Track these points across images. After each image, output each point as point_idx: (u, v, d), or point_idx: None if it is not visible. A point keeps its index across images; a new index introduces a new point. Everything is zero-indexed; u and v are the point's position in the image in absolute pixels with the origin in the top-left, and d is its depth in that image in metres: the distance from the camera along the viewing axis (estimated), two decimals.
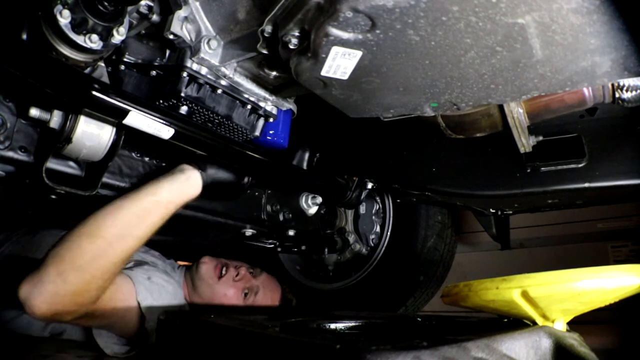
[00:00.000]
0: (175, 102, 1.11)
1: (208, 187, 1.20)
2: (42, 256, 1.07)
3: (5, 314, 1.51)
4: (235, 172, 1.27)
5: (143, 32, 1.10)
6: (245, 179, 1.30)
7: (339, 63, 0.81)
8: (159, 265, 1.57)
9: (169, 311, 1.37)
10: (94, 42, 0.91)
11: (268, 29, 0.85)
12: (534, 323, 0.93)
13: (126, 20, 0.96)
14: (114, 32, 0.93)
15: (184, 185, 1.15)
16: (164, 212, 1.11)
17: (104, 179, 1.10)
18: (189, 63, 1.07)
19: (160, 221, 1.11)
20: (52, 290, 1.00)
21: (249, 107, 1.24)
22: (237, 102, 1.22)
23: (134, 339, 1.34)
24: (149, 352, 1.33)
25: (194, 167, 1.18)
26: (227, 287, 1.56)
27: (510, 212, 1.66)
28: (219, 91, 1.15)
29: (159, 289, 1.39)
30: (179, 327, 0.98)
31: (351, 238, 2.01)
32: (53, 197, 1.09)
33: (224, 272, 1.58)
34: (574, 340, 0.81)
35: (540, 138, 1.20)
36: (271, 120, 1.33)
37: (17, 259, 1.56)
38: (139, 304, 1.29)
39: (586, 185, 1.20)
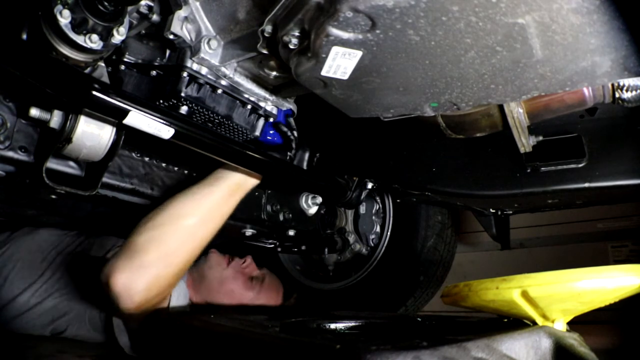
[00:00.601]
0: (175, 102, 1.11)
1: None
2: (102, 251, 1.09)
3: (6, 314, 1.51)
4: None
5: (143, 32, 1.10)
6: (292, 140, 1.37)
7: (339, 63, 0.81)
8: None
9: (169, 311, 1.37)
10: (94, 42, 0.91)
11: (268, 29, 0.85)
12: (534, 323, 0.93)
13: (126, 20, 0.96)
14: (114, 32, 0.93)
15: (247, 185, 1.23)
16: (242, 192, 1.20)
17: (104, 179, 1.10)
18: (189, 63, 1.07)
19: (238, 201, 1.20)
20: (155, 274, 1.02)
21: (249, 107, 1.24)
22: (237, 102, 1.22)
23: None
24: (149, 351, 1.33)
25: None
26: (236, 272, 1.60)
27: (510, 212, 1.66)
28: (219, 91, 1.15)
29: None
30: (179, 327, 0.98)
31: (351, 238, 2.01)
32: (53, 197, 1.09)
33: (231, 260, 1.63)
34: (574, 340, 0.81)
35: (540, 138, 1.20)
36: (271, 120, 1.33)
37: (19, 259, 1.56)
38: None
39: (586, 185, 1.20)
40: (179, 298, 1.40)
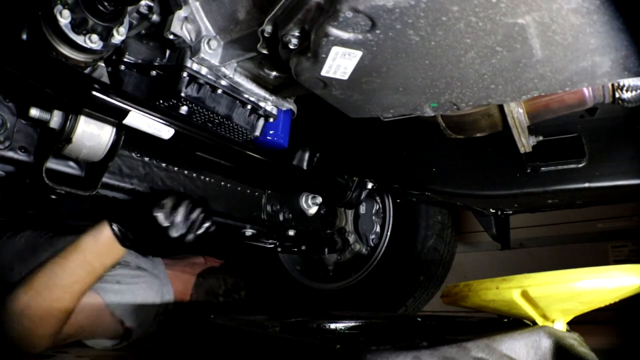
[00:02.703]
0: (175, 102, 1.11)
1: (132, 243, 1.17)
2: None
3: None
4: (162, 234, 1.14)
5: (143, 32, 1.10)
6: (175, 234, 1.15)
7: (339, 63, 0.81)
8: (130, 261, 1.52)
9: (168, 311, 1.37)
10: (94, 42, 0.91)
11: (268, 29, 0.85)
12: (534, 323, 0.93)
13: (126, 20, 0.96)
14: (114, 32, 0.93)
15: (104, 249, 1.15)
16: (92, 272, 1.16)
17: (104, 179, 1.10)
18: (189, 63, 1.07)
19: (94, 278, 1.17)
20: (19, 336, 1.11)
21: (249, 107, 1.24)
22: (237, 102, 1.22)
23: (124, 335, 1.40)
24: (150, 351, 1.33)
25: (113, 229, 1.14)
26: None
27: (510, 212, 1.66)
28: (219, 91, 1.15)
29: (130, 288, 1.41)
30: (179, 328, 0.98)
31: (351, 238, 2.01)
32: (53, 197, 1.09)
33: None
34: (574, 340, 0.81)
35: (540, 138, 1.20)
36: (271, 120, 1.33)
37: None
38: (111, 310, 1.34)
39: (586, 185, 1.20)
40: (135, 294, 1.42)
